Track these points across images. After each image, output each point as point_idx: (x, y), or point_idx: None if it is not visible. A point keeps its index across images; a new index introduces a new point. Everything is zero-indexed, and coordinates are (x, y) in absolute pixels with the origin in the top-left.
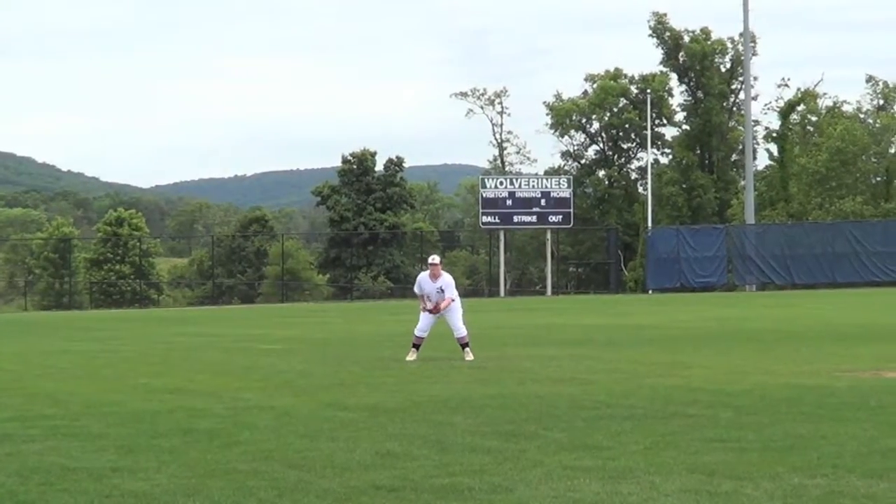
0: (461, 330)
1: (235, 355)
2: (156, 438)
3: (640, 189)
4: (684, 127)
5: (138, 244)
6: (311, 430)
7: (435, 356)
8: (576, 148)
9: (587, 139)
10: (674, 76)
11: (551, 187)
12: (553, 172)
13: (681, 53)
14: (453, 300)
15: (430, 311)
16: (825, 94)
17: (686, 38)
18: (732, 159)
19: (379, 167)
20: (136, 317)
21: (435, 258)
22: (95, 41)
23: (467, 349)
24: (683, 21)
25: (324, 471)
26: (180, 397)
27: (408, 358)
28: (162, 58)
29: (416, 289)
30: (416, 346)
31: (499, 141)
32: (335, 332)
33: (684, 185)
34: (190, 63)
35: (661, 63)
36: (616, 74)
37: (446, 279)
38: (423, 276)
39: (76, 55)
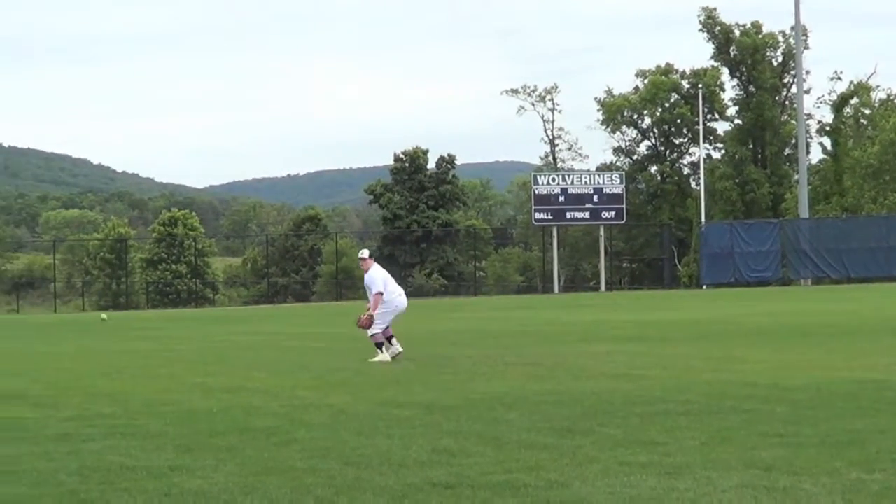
0: None
1: (291, 354)
2: (213, 437)
3: (693, 184)
4: (736, 121)
5: (193, 244)
6: (367, 428)
7: (490, 354)
8: (627, 144)
9: (639, 135)
10: (725, 71)
11: (603, 183)
12: (605, 168)
13: (732, 48)
14: None
15: None
16: (878, 86)
17: (737, 33)
18: (786, 153)
19: (431, 165)
20: (193, 316)
21: None
22: (149, 44)
23: None
24: (734, 15)
25: (380, 468)
26: (237, 396)
27: None
28: (215, 59)
29: None
30: None
31: (550, 138)
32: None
33: (737, 180)
34: (242, 64)
35: (712, 58)
36: (667, 70)
37: None
38: None
39: (130, 57)
